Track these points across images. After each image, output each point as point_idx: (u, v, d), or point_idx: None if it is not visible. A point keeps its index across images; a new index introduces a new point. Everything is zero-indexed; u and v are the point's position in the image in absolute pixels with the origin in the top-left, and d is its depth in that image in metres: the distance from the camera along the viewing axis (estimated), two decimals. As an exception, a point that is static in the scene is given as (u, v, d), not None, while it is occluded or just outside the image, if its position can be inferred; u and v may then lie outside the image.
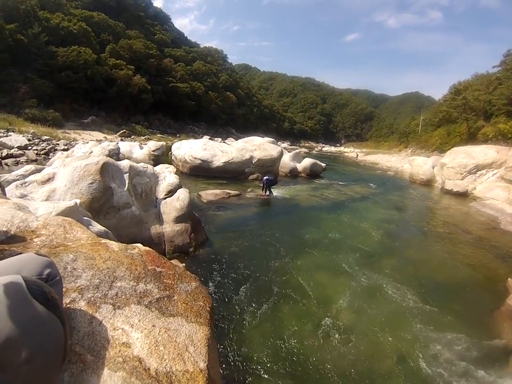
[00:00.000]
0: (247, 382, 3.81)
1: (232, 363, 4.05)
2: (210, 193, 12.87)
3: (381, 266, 7.50)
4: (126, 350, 1.32)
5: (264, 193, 14.27)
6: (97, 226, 4.21)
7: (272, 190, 14.53)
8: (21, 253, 1.80)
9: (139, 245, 2.31)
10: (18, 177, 6.31)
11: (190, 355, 1.40)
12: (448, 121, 47.69)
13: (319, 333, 4.91)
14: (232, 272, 6.54)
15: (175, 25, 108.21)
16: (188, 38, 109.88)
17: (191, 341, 1.47)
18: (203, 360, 1.41)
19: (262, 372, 3.99)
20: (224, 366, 3.91)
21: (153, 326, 1.47)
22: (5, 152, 16.58)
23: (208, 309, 1.73)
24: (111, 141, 21.31)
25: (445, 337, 4.99)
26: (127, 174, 6.84)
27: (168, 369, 1.30)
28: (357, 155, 61.17)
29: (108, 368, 1.22)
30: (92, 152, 14.70)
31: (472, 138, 36.69)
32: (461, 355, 4.62)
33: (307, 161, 22.87)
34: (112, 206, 6.26)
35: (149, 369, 1.26)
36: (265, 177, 14.65)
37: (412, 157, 36.49)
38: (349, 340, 4.79)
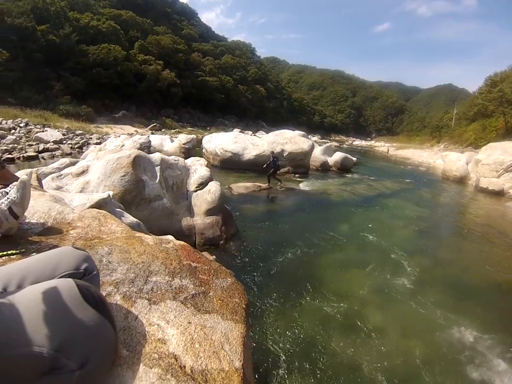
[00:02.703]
0: (276, 380, 3.78)
1: (261, 360, 4.02)
2: (241, 186, 12.94)
3: (412, 265, 7.26)
4: (162, 346, 1.28)
5: (274, 174, 14.02)
6: (130, 218, 4.28)
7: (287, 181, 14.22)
8: (57, 245, 1.82)
9: (171, 237, 2.29)
10: (54, 170, 6.50)
11: (225, 353, 1.35)
12: (484, 115, 45.67)
13: (348, 332, 4.81)
14: (262, 266, 6.53)
15: (201, 20, 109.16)
16: (215, 32, 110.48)
17: (226, 339, 1.43)
18: (238, 359, 1.36)
19: (290, 370, 3.95)
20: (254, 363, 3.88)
21: (189, 322, 1.43)
22: (41, 146, 17.32)
23: (244, 306, 1.67)
24: (142, 135, 21.68)
25: (482, 342, 4.79)
26: (159, 166, 6.92)
27: (204, 367, 1.25)
28: (388, 149, 59.61)
29: (143, 364, 1.18)
30: (123, 145, 15.00)
31: (509, 133, 35.12)
32: (498, 357, 4.42)
33: (338, 155, 22.42)
34: (143, 198, 6.35)
35: (184, 366, 1.22)
36: (273, 158, 14.24)
37: (444, 152, 35.19)
38: (380, 341, 4.67)
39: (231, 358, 1.34)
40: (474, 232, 10.64)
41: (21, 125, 21.53)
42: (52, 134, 19.98)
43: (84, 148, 19.06)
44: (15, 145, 16.53)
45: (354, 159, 23.49)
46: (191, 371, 1.22)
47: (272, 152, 15.26)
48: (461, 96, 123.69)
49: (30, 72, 35.22)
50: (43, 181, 5.40)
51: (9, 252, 1.65)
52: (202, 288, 1.68)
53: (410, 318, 5.32)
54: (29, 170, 2.08)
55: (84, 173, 6.23)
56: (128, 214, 4.46)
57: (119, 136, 19.71)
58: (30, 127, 21.66)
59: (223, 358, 1.32)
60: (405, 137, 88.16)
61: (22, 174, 2.25)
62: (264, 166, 14.46)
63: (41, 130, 21.18)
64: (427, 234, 10.07)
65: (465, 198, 17.98)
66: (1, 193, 1.85)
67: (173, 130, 41.01)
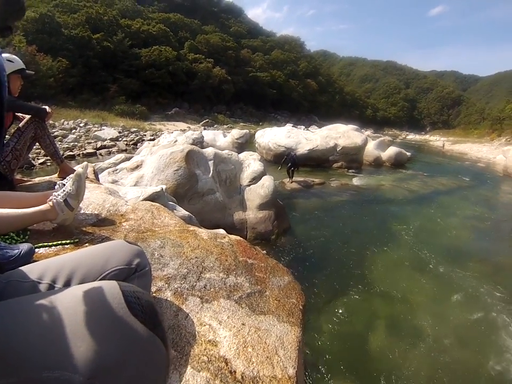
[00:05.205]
0: (318, 378, 3.74)
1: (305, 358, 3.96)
2: (294, 181, 12.87)
3: (468, 270, 6.87)
4: (212, 348, 1.21)
5: (291, 180, 12.97)
6: (182, 211, 4.34)
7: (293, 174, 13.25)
8: (110, 237, 1.82)
9: (222, 231, 2.23)
10: (110, 165, 6.79)
11: (279, 359, 1.25)
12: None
13: (396, 336, 4.69)
14: (313, 263, 6.49)
15: (248, 17, 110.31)
16: (263, 27, 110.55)
17: (281, 343, 1.32)
18: (292, 366, 1.24)
19: (333, 371, 3.90)
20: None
21: (243, 324, 1.34)
22: (99, 143, 18.53)
23: (301, 307, 1.55)
24: (194, 130, 22.08)
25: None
26: (212, 161, 7.02)
27: (255, 373, 1.15)
28: (443, 144, 56.43)
29: (191, 367, 1.12)
30: (176, 141, 15.33)
31: None
32: None
33: (392, 150, 21.58)
34: (196, 192, 6.46)
35: (235, 372, 1.14)
36: (292, 152, 13.21)
37: (506, 147, 32.51)
38: (428, 348, 4.48)
39: (285, 364, 1.24)
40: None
41: (81, 124, 22.93)
42: (108, 132, 21.11)
43: (138, 144, 19.92)
44: (76, 143, 17.64)
45: (408, 154, 22.54)
46: (242, 377, 1.13)
47: (289, 152, 14.04)
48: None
49: (88, 77, 38.10)
50: (100, 175, 5.63)
51: (63, 241, 1.68)
52: (258, 286, 1.59)
53: (462, 326, 5.07)
54: (85, 163, 2.10)
55: (138, 168, 6.44)
56: (181, 208, 4.53)
57: (172, 133, 20.21)
58: (88, 126, 23.02)
59: (276, 365, 1.22)
60: (462, 130, 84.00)
61: (78, 167, 2.30)
62: (285, 157, 13.41)
63: (99, 129, 22.44)
64: (486, 236, 9.52)
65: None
66: (59, 185, 1.90)
67: (225, 126, 41.37)
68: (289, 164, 12.89)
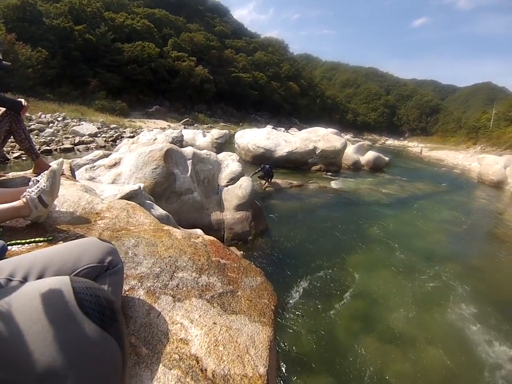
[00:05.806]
0: (296, 381, 3.74)
1: (282, 361, 3.97)
2: (272, 182, 12.83)
3: (443, 271, 7.05)
4: (184, 347, 1.22)
5: (268, 183, 12.76)
6: (159, 210, 4.30)
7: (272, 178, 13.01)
8: (84, 235, 1.80)
9: (200, 231, 2.24)
10: (88, 161, 6.68)
11: (250, 358, 1.27)
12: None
13: (373, 337, 4.73)
14: (289, 264, 6.50)
15: (234, 17, 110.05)
16: (248, 29, 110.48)
17: (252, 342, 1.34)
18: (263, 365, 1.27)
19: (311, 373, 3.91)
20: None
21: (214, 323, 1.35)
22: (77, 139, 18.08)
23: (273, 307, 1.58)
24: (174, 129, 21.87)
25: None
26: (190, 160, 6.98)
27: (226, 371, 1.17)
28: (421, 150, 57.82)
29: (162, 365, 1.13)
30: (156, 139, 15.16)
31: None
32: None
33: (370, 155, 21.99)
34: (174, 191, 6.42)
35: (205, 370, 1.15)
36: (267, 165, 12.81)
37: (481, 154, 33.44)
38: (403, 347, 4.57)
39: (256, 363, 1.26)
40: (511, 241, 10.14)
41: (59, 119, 22.37)
42: (87, 128, 20.70)
43: (118, 141, 19.64)
44: (53, 137, 17.20)
45: (386, 159, 22.93)
46: (212, 375, 1.15)
47: (263, 165, 13.27)
48: (500, 95, 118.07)
49: (68, 69, 37.07)
50: (77, 172, 5.53)
51: (36, 239, 1.65)
52: (231, 286, 1.62)
53: (436, 327, 5.19)
54: (60, 159, 2.07)
55: (116, 165, 6.35)
56: (158, 207, 4.49)
57: (152, 130, 19.98)
58: (67, 121, 22.46)
59: (247, 363, 1.25)
60: (440, 137, 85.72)
61: (53, 163, 2.26)
62: (259, 169, 12.98)
63: (77, 124, 21.92)
64: (460, 239, 9.83)
65: (502, 204, 17.09)
66: (33, 181, 1.87)
67: (205, 125, 41.13)
68: (262, 174, 12.73)
